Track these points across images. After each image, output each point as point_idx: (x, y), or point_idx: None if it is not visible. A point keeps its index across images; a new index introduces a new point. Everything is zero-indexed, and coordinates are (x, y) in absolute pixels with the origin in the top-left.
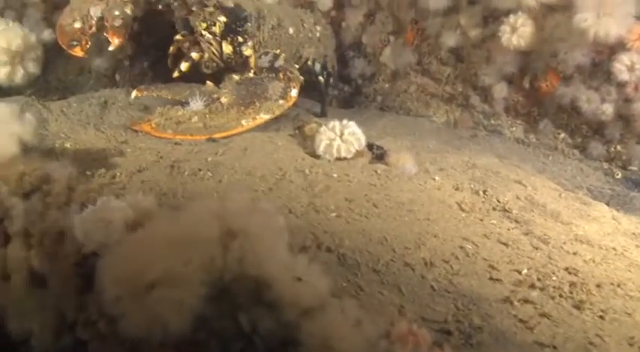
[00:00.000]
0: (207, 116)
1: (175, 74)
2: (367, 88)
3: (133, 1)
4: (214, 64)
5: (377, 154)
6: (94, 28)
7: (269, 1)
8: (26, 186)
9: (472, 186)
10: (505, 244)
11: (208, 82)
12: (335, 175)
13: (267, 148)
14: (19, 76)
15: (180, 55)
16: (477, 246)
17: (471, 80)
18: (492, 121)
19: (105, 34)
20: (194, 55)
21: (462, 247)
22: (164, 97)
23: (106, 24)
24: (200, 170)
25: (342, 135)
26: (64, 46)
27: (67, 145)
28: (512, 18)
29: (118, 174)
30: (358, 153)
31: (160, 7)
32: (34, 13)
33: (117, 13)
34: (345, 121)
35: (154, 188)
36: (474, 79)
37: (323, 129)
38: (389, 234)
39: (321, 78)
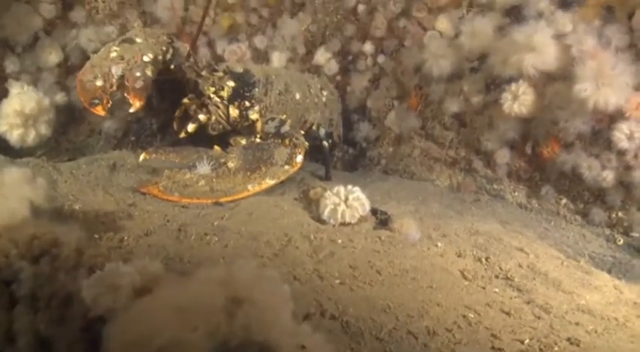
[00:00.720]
0: (213, 180)
1: (182, 135)
2: (371, 151)
3: (152, 63)
4: (220, 126)
5: (381, 220)
6: (114, 87)
7: (276, 65)
8: (35, 249)
9: (474, 253)
10: (507, 313)
11: (216, 147)
12: (339, 241)
13: (273, 213)
14: (31, 137)
15: (187, 117)
16: (480, 315)
17: (474, 145)
18: (495, 186)
19: (125, 94)
20: (201, 117)
21: (464, 316)
22: (172, 161)
23: (126, 84)
24: (206, 234)
25: (347, 201)
26: (85, 104)
27: (76, 207)
28: (513, 86)
29: (126, 237)
30: (362, 219)
31: (172, 66)
32: (48, 77)
33: (138, 74)
34: (349, 187)
35: (160, 252)
36: (477, 144)
37: (328, 194)
38: (392, 302)
39: (325, 143)
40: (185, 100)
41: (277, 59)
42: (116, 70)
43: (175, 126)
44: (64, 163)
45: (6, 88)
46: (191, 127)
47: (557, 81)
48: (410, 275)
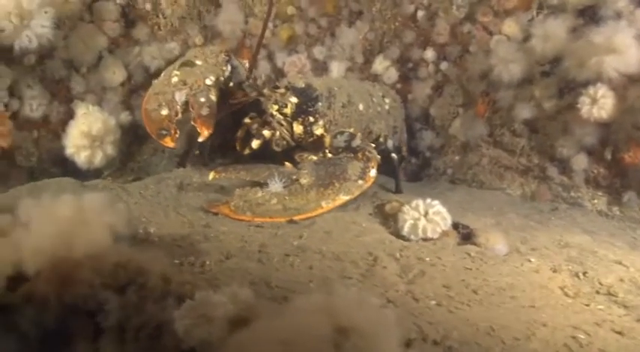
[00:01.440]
0: (286, 198)
1: (246, 151)
2: (436, 161)
3: (214, 85)
4: (284, 142)
5: (463, 234)
6: (179, 115)
7: (335, 75)
8: (121, 278)
9: (570, 267)
10: (619, 333)
11: (287, 163)
12: (427, 259)
13: (352, 230)
14: (98, 159)
15: (249, 137)
16: (590, 336)
17: (548, 152)
18: (572, 194)
19: (193, 123)
20: (266, 132)
21: (574, 337)
22: (242, 178)
23: (191, 110)
24: (288, 255)
25: (427, 215)
26: (152, 135)
27: (151, 231)
28: (591, 89)
29: (207, 262)
30: (444, 233)
31: (231, 84)
32: (113, 97)
33: (203, 99)
34: (428, 200)
35: (245, 276)
36: (551, 150)
37: (406, 208)
38: (495, 324)
39: (394, 155)
40: (246, 120)
41: (336, 69)
42: (179, 97)
43: (238, 146)
44: (132, 183)
45: (72, 109)
46: (255, 144)
47: (639, 83)
48: (508, 293)
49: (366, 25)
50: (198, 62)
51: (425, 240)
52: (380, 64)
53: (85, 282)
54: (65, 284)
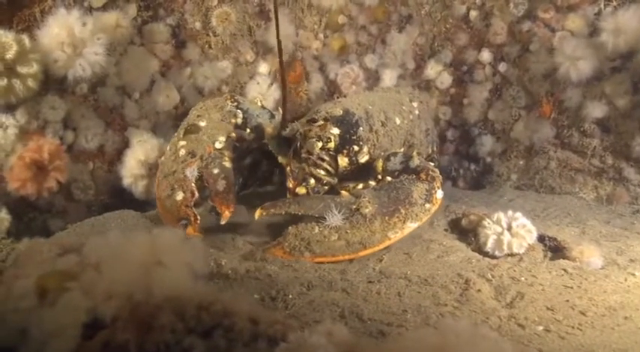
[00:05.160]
0: (348, 231)
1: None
2: (499, 167)
3: (226, 146)
4: (325, 188)
5: (550, 247)
6: (195, 193)
7: (388, 83)
8: (205, 322)
9: None
10: None
11: (343, 192)
12: (523, 279)
13: (433, 250)
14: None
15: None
16: None
17: (623, 151)
18: None
19: (210, 202)
20: (299, 190)
21: None
22: (294, 214)
23: (206, 185)
24: (371, 282)
25: (511, 228)
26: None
27: (223, 262)
28: None
29: (290, 295)
30: (530, 248)
31: (248, 130)
32: (167, 121)
33: (216, 171)
34: (510, 212)
35: (333, 309)
36: (626, 150)
37: (487, 222)
38: (613, 349)
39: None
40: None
41: (388, 77)
42: (191, 173)
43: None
44: None
45: (126, 137)
46: (301, 190)
47: None
48: (620, 313)
49: (415, 29)
50: (202, 123)
51: (511, 255)
52: (432, 69)
53: (167, 327)
54: (146, 331)
